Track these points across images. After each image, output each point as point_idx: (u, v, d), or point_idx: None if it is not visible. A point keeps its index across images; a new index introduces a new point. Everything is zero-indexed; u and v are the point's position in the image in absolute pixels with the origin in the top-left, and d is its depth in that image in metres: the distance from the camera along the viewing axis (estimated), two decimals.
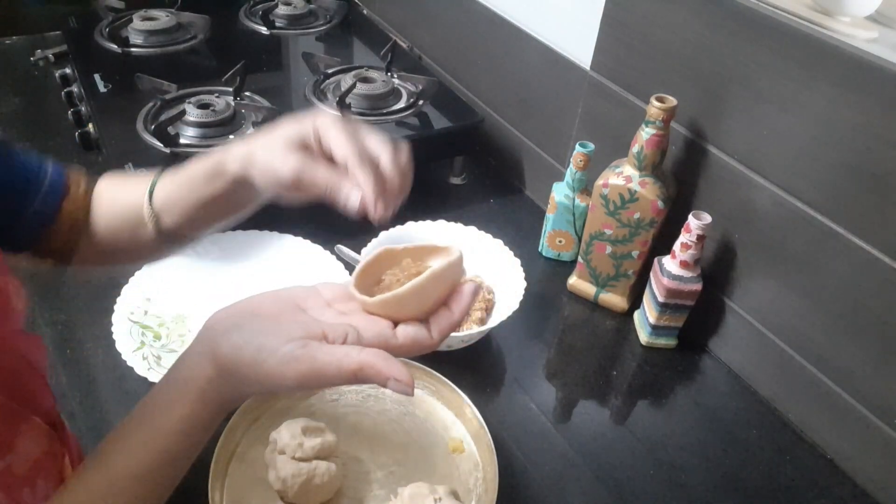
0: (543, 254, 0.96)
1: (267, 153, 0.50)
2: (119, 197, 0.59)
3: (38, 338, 0.49)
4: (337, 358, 0.41)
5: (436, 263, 0.44)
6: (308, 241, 0.87)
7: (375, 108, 1.01)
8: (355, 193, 0.47)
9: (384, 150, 0.49)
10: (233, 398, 0.45)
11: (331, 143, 0.48)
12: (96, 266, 0.65)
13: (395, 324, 0.44)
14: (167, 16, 1.18)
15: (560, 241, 0.94)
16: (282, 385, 0.42)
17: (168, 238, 0.58)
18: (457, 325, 0.45)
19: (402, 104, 1.03)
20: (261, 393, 0.49)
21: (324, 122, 0.49)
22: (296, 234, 0.88)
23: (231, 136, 0.92)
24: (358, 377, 0.41)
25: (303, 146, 0.49)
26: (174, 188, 0.56)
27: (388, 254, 0.48)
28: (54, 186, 0.57)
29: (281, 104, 0.99)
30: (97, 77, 1.02)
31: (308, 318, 0.45)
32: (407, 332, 0.43)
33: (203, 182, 0.54)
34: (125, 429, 0.44)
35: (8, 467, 0.41)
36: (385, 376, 0.41)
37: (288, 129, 0.50)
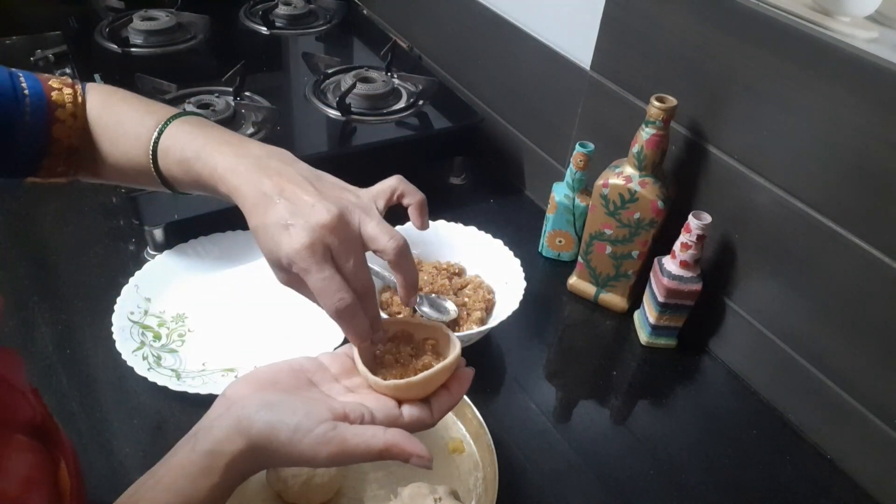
0: (543, 254, 0.96)
1: (262, 251, 0.50)
2: (120, 140, 0.58)
3: (13, 351, 0.48)
4: (365, 440, 0.45)
5: (448, 356, 0.50)
6: None
7: (375, 108, 1.01)
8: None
9: (370, 286, 0.50)
10: (256, 470, 0.47)
11: (312, 291, 0.48)
12: (111, 182, 0.64)
13: (399, 402, 0.49)
14: (167, 16, 1.18)
15: (560, 241, 0.94)
16: (312, 463, 0.46)
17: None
18: (454, 406, 0.51)
19: (402, 104, 1.03)
20: (286, 466, 0.53)
21: (300, 266, 0.47)
22: None
23: None
24: (383, 456, 0.45)
25: (286, 269, 0.49)
26: (177, 170, 0.55)
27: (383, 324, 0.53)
28: (37, 113, 0.56)
29: (281, 104, 0.99)
30: (97, 77, 1.02)
31: (325, 397, 0.49)
32: (412, 414, 0.48)
33: (211, 192, 0.54)
34: (150, 492, 0.44)
35: (3, 491, 0.41)
36: (409, 454, 0.45)
37: (269, 252, 0.49)
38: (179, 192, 0.58)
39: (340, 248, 0.48)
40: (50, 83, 0.57)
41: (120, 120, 0.58)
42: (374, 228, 0.50)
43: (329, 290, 0.47)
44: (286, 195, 0.48)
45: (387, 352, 0.53)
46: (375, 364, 0.52)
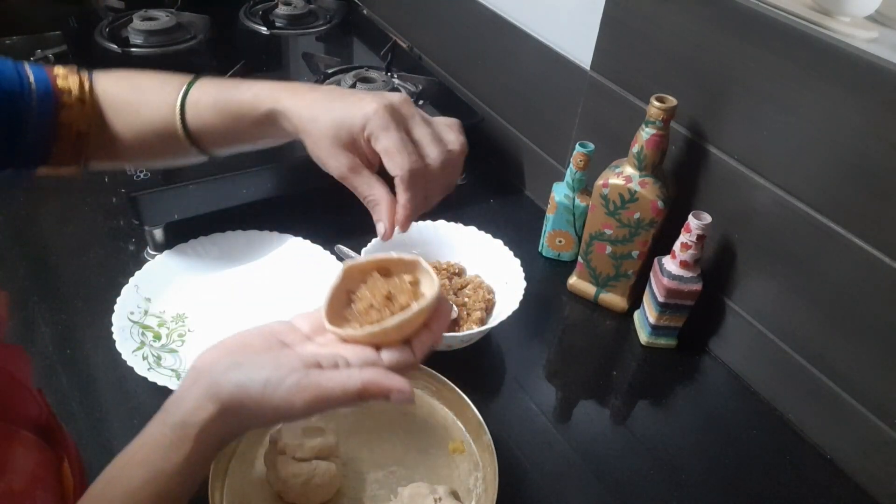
0: (543, 254, 0.96)
1: (315, 145, 0.50)
2: (143, 108, 0.58)
3: (19, 348, 0.48)
4: (341, 381, 0.44)
5: (425, 297, 0.46)
6: (308, 241, 0.87)
7: None
8: (381, 226, 0.51)
9: (440, 157, 0.50)
10: (234, 435, 0.46)
11: (381, 153, 0.49)
12: (125, 163, 0.64)
13: (378, 348, 0.46)
14: (167, 16, 1.18)
15: (560, 241, 0.94)
16: (289, 414, 0.44)
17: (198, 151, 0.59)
18: (437, 343, 0.49)
19: None
20: (264, 425, 0.50)
21: (376, 123, 0.48)
22: (296, 234, 0.88)
23: None
24: (362, 395, 0.44)
25: (352, 145, 0.50)
26: (210, 116, 0.55)
27: (350, 270, 0.50)
28: (44, 101, 0.56)
29: None
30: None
31: (296, 352, 0.47)
32: (392, 357, 0.46)
33: (248, 124, 0.54)
34: (123, 470, 0.44)
35: (8, 487, 0.41)
36: (388, 388, 0.44)
37: (339, 123, 0.49)
38: (204, 154, 0.58)
39: (414, 119, 0.50)
40: (55, 72, 0.57)
41: (141, 89, 0.59)
42: (441, 122, 0.52)
43: (405, 150, 0.48)
44: (345, 91, 0.51)
45: (362, 299, 0.49)
46: (349, 311, 0.49)
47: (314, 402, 0.43)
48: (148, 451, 0.44)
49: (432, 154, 0.50)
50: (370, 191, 0.51)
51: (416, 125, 0.50)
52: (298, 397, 0.43)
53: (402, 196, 0.49)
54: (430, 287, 0.47)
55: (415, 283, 0.48)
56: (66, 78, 0.57)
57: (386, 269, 0.50)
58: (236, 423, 0.45)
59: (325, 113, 0.50)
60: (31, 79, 0.55)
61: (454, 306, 0.79)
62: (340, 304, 0.49)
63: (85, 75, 0.59)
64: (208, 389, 0.44)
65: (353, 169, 0.51)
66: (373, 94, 0.50)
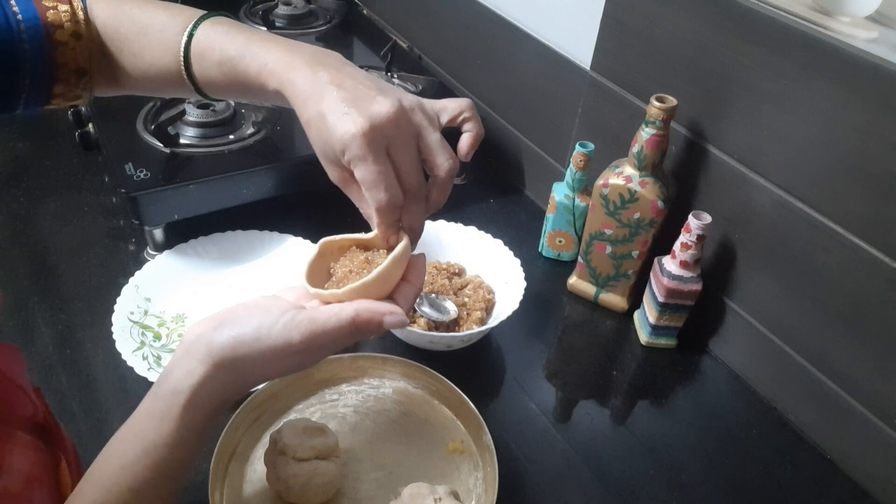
0: (543, 254, 0.96)
1: (313, 145, 0.48)
2: (145, 51, 0.55)
3: (12, 346, 0.47)
4: (334, 312, 0.44)
5: (395, 248, 0.48)
6: (308, 241, 0.87)
7: None
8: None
9: (419, 187, 0.48)
10: (228, 396, 0.45)
11: (360, 184, 0.46)
12: (133, 93, 0.61)
13: None
14: None
15: (560, 241, 0.94)
16: (287, 353, 0.43)
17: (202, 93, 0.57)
18: (419, 294, 0.50)
19: None
20: (261, 379, 0.47)
21: (353, 153, 0.45)
22: (296, 234, 0.88)
23: (231, 136, 0.92)
24: (356, 323, 0.44)
25: (338, 164, 0.48)
26: (216, 75, 0.53)
27: (328, 246, 0.51)
28: (35, 40, 0.53)
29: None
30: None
31: (284, 301, 0.47)
32: None
33: (256, 95, 0.52)
34: (118, 446, 0.43)
35: (5, 489, 0.41)
36: (381, 313, 0.44)
37: (323, 141, 0.47)
38: (212, 98, 0.57)
39: (399, 142, 0.46)
40: (43, 2, 0.54)
41: (141, 28, 0.56)
42: (434, 141, 0.48)
43: (382, 184, 0.45)
44: (345, 86, 0.46)
45: (342, 267, 0.50)
46: (331, 282, 0.50)
47: (310, 335, 0.43)
48: (141, 423, 0.43)
49: (413, 182, 0.48)
50: (360, 204, 0.50)
51: (400, 149, 0.46)
52: (294, 333, 0.43)
53: (378, 222, 0.48)
54: (401, 241, 0.49)
55: (390, 249, 0.49)
56: (56, 9, 0.54)
57: (365, 246, 0.51)
58: (233, 379, 0.44)
59: (315, 122, 0.47)
60: (19, 15, 0.52)
61: (454, 306, 0.79)
62: (322, 280, 0.50)
63: (78, 2, 0.55)
64: (198, 354, 0.43)
65: (343, 182, 0.50)
66: (367, 101, 0.46)
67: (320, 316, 0.44)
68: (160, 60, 0.54)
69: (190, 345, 0.45)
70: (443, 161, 0.48)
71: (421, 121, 0.48)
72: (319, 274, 0.50)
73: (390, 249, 0.49)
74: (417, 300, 0.78)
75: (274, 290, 0.50)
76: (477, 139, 0.53)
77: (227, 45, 0.51)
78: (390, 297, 0.48)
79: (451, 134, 0.52)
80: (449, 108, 0.52)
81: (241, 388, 0.46)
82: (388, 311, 0.45)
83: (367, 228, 0.52)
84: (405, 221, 0.49)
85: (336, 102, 0.45)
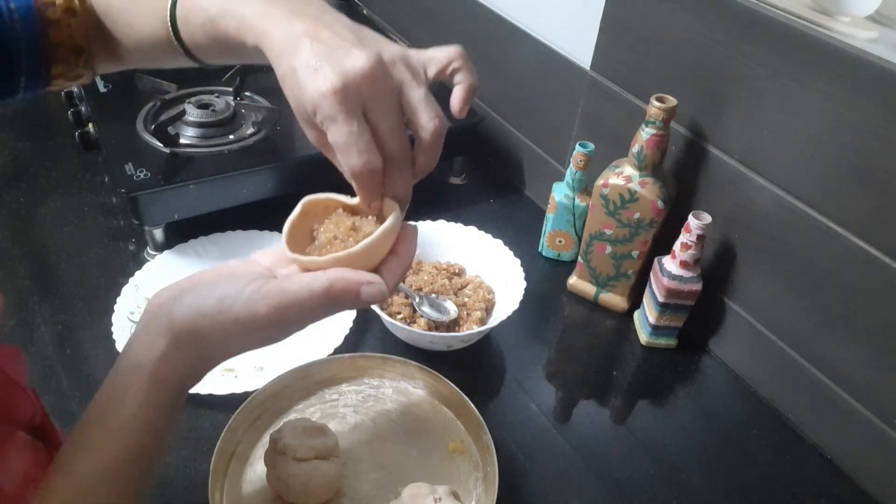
0: (543, 254, 0.96)
1: (290, 104, 0.44)
2: (136, 21, 0.54)
3: (15, 349, 0.47)
4: (306, 281, 0.40)
5: (387, 220, 0.44)
6: None
7: None
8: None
9: (402, 151, 0.43)
10: (194, 370, 0.43)
11: (333, 147, 0.42)
12: (135, 67, 0.60)
13: None
14: None
15: (560, 241, 0.94)
16: (253, 325, 0.40)
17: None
18: (408, 269, 0.46)
19: None
20: (227, 354, 0.44)
21: (324, 113, 0.41)
22: None
23: (231, 136, 0.92)
24: (330, 294, 0.40)
25: (313, 124, 0.43)
26: (202, 38, 0.50)
27: (312, 206, 0.47)
28: (27, 20, 0.51)
29: (281, 104, 0.98)
30: (97, 77, 1.02)
31: (253, 268, 0.44)
32: None
33: (240, 54, 0.49)
34: (82, 430, 0.41)
35: (0, 487, 0.41)
36: (357, 282, 0.41)
37: (296, 99, 0.43)
38: (205, 65, 0.54)
39: (376, 102, 0.41)
40: None
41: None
42: (418, 98, 0.43)
43: (354, 148, 0.41)
44: (321, 38, 0.42)
45: (326, 231, 0.46)
46: (313, 247, 0.46)
47: (278, 307, 0.40)
48: (103, 404, 0.41)
49: (394, 146, 0.43)
50: (340, 167, 0.45)
51: (377, 109, 0.42)
52: (261, 305, 0.40)
53: (356, 189, 0.44)
54: (392, 212, 0.44)
55: (380, 220, 0.46)
56: (53, 4, 0.52)
57: (352, 209, 0.47)
58: (195, 353, 0.41)
59: (289, 78, 0.42)
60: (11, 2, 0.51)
61: (454, 306, 0.79)
62: (305, 242, 0.46)
63: None
64: (159, 326, 0.41)
65: (321, 143, 0.45)
66: (341, 55, 0.41)
67: (291, 286, 0.40)
68: (150, 28, 0.53)
69: (151, 315, 0.42)
70: (427, 120, 0.43)
71: (403, 75, 0.43)
72: (301, 235, 0.46)
73: (380, 216, 0.46)
74: (417, 300, 0.78)
75: (251, 254, 0.47)
76: (470, 91, 0.48)
77: (209, 4, 0.48)
78: (376, 271, 0.44)
79: (442, 95, 0.47)
80: (436, 58, 0.47)
81: (207, 362, 0.43)
82: (366, 281, 0.41)
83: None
84: (388, 189, 0.44)
85: (308, 56, 0.41)
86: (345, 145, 0.41)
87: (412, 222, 0.47)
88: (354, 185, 0.44)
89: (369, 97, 0.41)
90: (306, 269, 0.43)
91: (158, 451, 0.43)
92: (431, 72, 0.47)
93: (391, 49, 0.44)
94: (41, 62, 0.54)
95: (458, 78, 0.48)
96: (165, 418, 0.42)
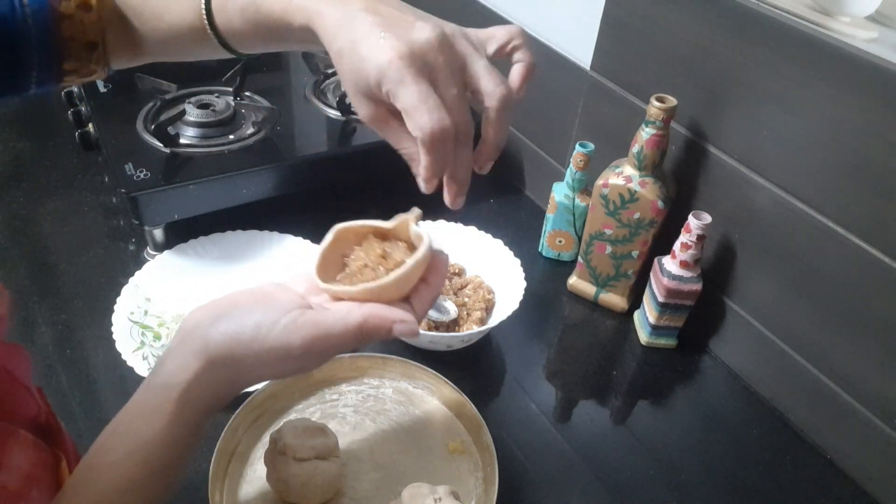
0: (543, 254, 0.96)
1: (344, 83, 0.44)
2: (166, 13, 0.53)
3: (20, 347, 0.47)
4: (341, 315, 0.41)
5: (418, 250, 0.45)
6: (308, 241, 0.87)
7: None
8: (420, 181, 0.44)
9: (467, 120, 0.43)
10: (223, 394, 0.43)
11: (400, 111, 0.41)
12: (153, 60, 0.59)
13: None
14: None
15: (560, 241, 0.94)
16: (287, 356, 0.41)
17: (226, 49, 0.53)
18: (437, 296, 0.46)
19: None
20: (258, 379, 0.44)
21: (391, 78, 0.40)
22: (296, 235, 0.88)
23: (231, 136, 0.92)
24: (363, 330, 0.41)
25: (374, 95, 0.43)
26: (241, 23, 0.50)
27: (344, 233, 0.48)
28: (39, 14, 0.50)
29: (281, 104, 0.99)
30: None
31: (290, 297, 0.44)
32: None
33: (283, 37, 0.48)
34: (108, 442, 0.42)
35: (3, 485, 0.41)
36: (390, 320, 0.41)
37: (356, 72, 0.42)
38: (237, 54, 0.53)
39: (443, 72, 0.41)
40: None
41: None
42: (482, 68, 0.43)
43: (425, 106, 0.40)
44: (381, 12, 0.42)
45: (356, 259, 0.46)
46: (343, 275, 0.47)
47: (313, 339, 0.40)
48: (131, 418, 0.41)
49: (459, 118, 0.42)
50: (400, 143, 0.45)
51: (443, 79, 0.42)
52: (295, 336, 0.40)
53: (423, 159, 0.43)
54: (423, 242, 0.45)
55: (410, 245, 0.47)
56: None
57: (382, 234, 0.48)
58: (227, 377, 0.42)
59: (348, 52, 0.42)
60: None
61: (454, 306, 0.79)
62: (335, 269, 0.47)
63: None
64: (193, 346, 0.41)
65: (377, 119, 0.45)
66: (404, 27, 0.41)
67: (326, 320, 0.41)
68: (180, 18, 0.52)
69: (186, 334, 0.43)
70: (493, 87, 0.43)
71: (466, 48, 0.43)
72: (332, 262, 0.47)
73: (408, 241, 0.46)
74: None
75: (285, 277, 0.47)
76: (530, 70, 0.47)
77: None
78: (406, 299, 0.45)
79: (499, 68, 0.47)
80: (497, 35, 0.47)
81: (237, 385, 0.44)
82: (399, 320, 0.42)
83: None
84: (450, 168, 0.44)
85: (371, 27, 0.41)
86: (415, 105, 0.40)
87: (443, 249, 0.47)
88: (422, 158, 0.42)
89: (434, 66, 0.41)
90: (337, 299, 0.44)
91: (181, 468, 0.43)
92: (491, 48, 0.47)
93: (451, 25, 0.44)
94: (53, 57, 0.53)
95: (517, 56, 0.47)
96: (190, 437, 0.42)
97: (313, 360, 0.44)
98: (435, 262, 0.46)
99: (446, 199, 0.46)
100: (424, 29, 0.41)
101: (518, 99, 0.47)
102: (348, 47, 0.42)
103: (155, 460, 0.41)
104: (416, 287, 0.45)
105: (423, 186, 0.44)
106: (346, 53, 0.42)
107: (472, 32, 0.46)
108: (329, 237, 0.47)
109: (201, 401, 0.42)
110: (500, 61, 0.48)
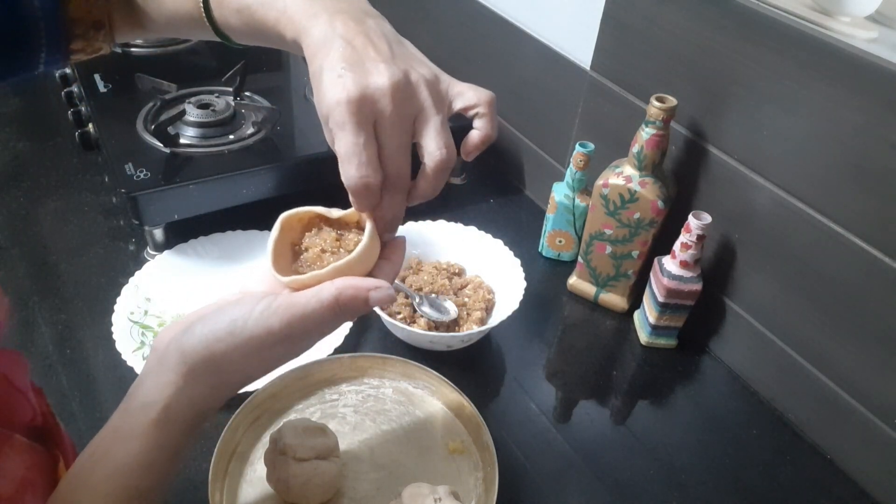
0: (543, 254, 0.96)
1: (315, 98, 0.44)
2: (167, 2, 0.53)
3: (17, 353, 0.46)
4: (314, 293, 0.40)
5: (367, 225, 0.45)
6: None
7: None
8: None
9: (400, 173, 0.43)
10: (205, 407, 0.42)
11: (337, 155, 0.42)
12: (159, 36, 0.59)
13: None
14: None
15: (560, 241, 0.94)
16: (268, 342, 0.40)
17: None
18: (398, 273, 0.46)
19: None
20: (244, 378, 0.44)
21: (334, 120, 0.41)
22: None
23: (231, 136, 0.92)
24: (340, 302, 0.40)
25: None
26: (237, 23, 0.50)
27: (289, 220, 0.47)
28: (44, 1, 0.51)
29: (281, 104, 0.99)
30: (97, 77, 1.02)
31: (256, 292, 0.44)
32: None
33: (276, 44, 0.48)
34: (84, 466, 0.41)
35: None
36: (365, 288, 0.41)
37: (317, 102, 0.43)
38: (235, 45, 0.54)
39: (389, 120, 0.41)
40: None
41: None
42: (433, 125, 0.43)
43: (356, 160, 0.40)
44: (355, 44, 0.42)
45: (313, 245, 0.46)
46: (298, 264, 0.46)
47: (291, 320, 0.40)
48: (109, 443, 0.40)
49: (394, 168, 0.43)
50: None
51: (387, 127, 0.42)
52: (274, 320, 0.40)
53: (353, 204, 0.44)
54: (368, 221, 0.45)
55: (359, 222, 0.47)
56: None
57: (326, 221, 0.47)
58: (210, 383, 0.41)
59: (315, 78, 0.42)
60: None
61: (454, 306, 0.79)
62: (285, 260, 0.46)
63: None
64: (170, 362, 0.40)
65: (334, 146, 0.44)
66: (367, 66, 0.41)
67: (299, 299, 0.40)
68: (183, 7, 0.52)
69: (160, 354, 0.42)
70: (435, 149, 0.43)
71: (425, 100, 0.43)
72: (282, 254, 0.46)
73: (358, 226, 0.47)
74: (418, 300, 0.78)
75: (237, 287, 0.46)
76: (484, 141, 0.48)
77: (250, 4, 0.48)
78: (371, 275, 0.44)
79: (460, 131, 0.48)
80: (466, 95, 0.47)
81: (222, 391, 0.43)
82: (374, 286, 0.41)
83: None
84: (378, 209, 0.44)
85: (337, 60, 0.41)
86: (347, 156, 0.41)
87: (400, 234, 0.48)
88: (350, 196, 0.43)
89: (382, 114, 0.41)
90: (304, 287, 0.43)
91: (160, 492, 0.42)
92: (457, 105, 0.47)
93: (422, 70, 0.43)
94: (61, 38, 0.53)
95: (478, 123, 0.48)
96: (170, 460, 0.41)
97: (296, 345, 0.43)
98: (394, 243, 0.47)
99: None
100: (384, 74, 0.41)
101: (467, 160, 0.48)
102: (317, 74, 0.42)
103: (133, 485, 0.40)
104: (377, 264, 0.45)
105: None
106: (315, 80, 0.42)
107: (444, 83, 0.46)
108: (277, 227, 0.46)
109: (182, 418, 0.41)
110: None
